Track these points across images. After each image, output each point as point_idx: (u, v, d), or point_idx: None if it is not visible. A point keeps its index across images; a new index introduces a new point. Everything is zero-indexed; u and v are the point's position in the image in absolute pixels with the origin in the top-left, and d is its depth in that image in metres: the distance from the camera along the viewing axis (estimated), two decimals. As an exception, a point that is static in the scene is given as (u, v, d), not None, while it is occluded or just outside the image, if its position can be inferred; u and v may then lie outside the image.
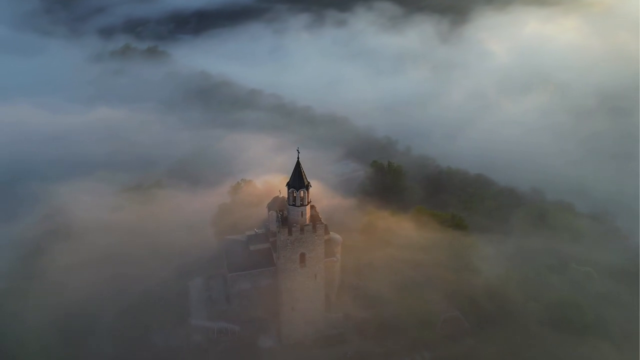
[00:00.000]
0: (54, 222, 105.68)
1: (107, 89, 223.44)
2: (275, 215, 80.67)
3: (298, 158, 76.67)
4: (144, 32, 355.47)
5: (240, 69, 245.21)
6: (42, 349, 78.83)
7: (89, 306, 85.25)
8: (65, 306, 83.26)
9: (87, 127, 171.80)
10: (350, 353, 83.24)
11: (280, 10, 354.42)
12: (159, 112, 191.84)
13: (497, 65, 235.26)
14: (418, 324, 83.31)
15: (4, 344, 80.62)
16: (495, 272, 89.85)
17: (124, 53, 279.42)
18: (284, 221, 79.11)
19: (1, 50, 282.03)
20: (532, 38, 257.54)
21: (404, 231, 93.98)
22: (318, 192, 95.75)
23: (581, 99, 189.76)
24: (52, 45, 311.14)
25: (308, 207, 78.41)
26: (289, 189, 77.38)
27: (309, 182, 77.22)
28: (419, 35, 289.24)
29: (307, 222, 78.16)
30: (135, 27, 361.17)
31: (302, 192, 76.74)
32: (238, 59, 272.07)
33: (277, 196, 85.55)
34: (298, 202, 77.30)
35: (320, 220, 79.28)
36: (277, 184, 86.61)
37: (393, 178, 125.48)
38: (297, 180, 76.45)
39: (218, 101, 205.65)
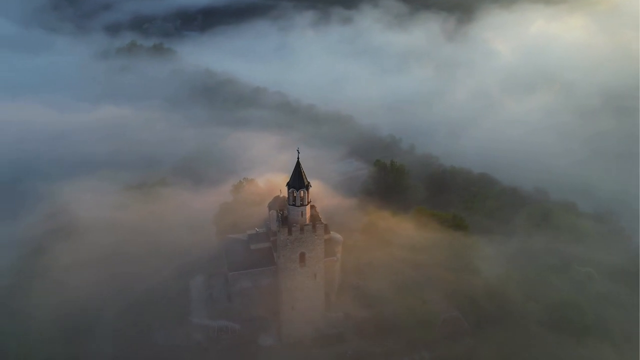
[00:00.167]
0: (57, 221, 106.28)
1: (113, 87, 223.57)
2: (275, 215, 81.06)
3: (298, 158, 77.09)
4: (150, 28, 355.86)
5: (246, 67, 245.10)
6: (43, 347, 79.28)
7: (90, 304, 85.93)
8: (67, 304, 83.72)
9: (92, 126, 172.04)
10: (350, 352, 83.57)
11: (286, 8, 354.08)
12: (164, 110, 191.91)
13: (502, 64, 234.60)
14: (418, 323, 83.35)
15: (6, 342, 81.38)
16: (495, 272, 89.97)
17: (130, 50, 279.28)
18: (284, 221, 79.56)
19: (9, 47, 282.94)
20: (537, 37, 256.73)
21: (404, 231, 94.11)
22: (319, 192, 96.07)
23: (586, 99, 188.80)
24: (59, 42, 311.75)
25: (308, 207, 78.78)
26: (289, 189, 77.75)
27: (309, 182, 77.57)
28: (424, 33, 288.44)
29: (307, 222, 78.59)
30: (141, 23, 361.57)
31: (302, 192, 77.13)
32: (243, 57, 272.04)
33: (278, 195, 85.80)
34: (298, 202, 77.66)
35: (320, 220, 79.65)
36: (279, 182, 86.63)
37: (395, 177, 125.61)
38: (297, 180, 76.82)
39: (223, 99, 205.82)
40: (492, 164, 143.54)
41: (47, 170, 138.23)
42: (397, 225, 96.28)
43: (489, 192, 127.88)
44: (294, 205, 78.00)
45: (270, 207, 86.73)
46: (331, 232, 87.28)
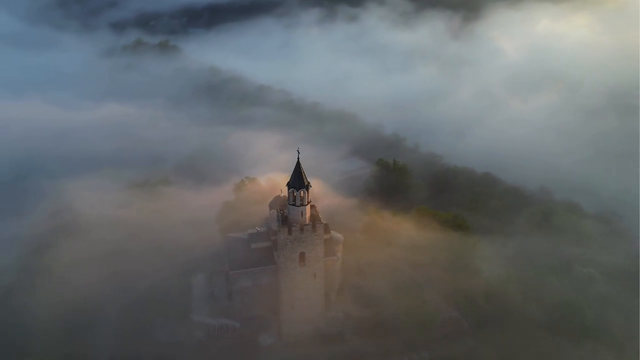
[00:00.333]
0: (61, 219, 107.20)
1: (117, 85, 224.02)
2: (276, 214, 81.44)
3: (298, 158, 77.43)
4: (156, 26, 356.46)
5: (250, 64, 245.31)
6: (47, 343, 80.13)
7: (93, 302, 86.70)
8: (70, 302, 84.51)
9: (96, 124, 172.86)
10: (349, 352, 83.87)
11: (291, 5, 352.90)
12: (168, 108, 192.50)
13: (507, 63, 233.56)
14: (417, 323, 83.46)
15: (11, 337, 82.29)
16: (495, 272, 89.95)
17: (135, 48, 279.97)
18: (284, 220, 79.93)
19: (15, 44, 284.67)
20: (543, 35, 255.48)
21: (405, 231, 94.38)
22: (321, 191, 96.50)
23: (591, 98, 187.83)
24: (65, 39, 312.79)
25: (308, 207, 79.07)
26: (289, 189, 78.08)
27: (309, 182, 77.89)
28: (430, 31, 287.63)
29: (307, 221, 78.92)
30: (147, 21, 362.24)
31: (302, 192, 77.45)
32: (248, 54, 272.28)
33: (279, 195, 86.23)
34: (298, 202, 77.99)
35: (320, 220, 79.98)
36: (280, 182, 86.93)
37: (398, 176, 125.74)
38: (297, 181, 77.17)
39: (227, 97, 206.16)
40: (496, 163, 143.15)
41: (51, 168, 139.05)
42: (397, 225, 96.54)
43: (493, 192, 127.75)
44: (294, 205, 78.31)
45: (271, 206, 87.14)
46: (332, 232, 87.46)
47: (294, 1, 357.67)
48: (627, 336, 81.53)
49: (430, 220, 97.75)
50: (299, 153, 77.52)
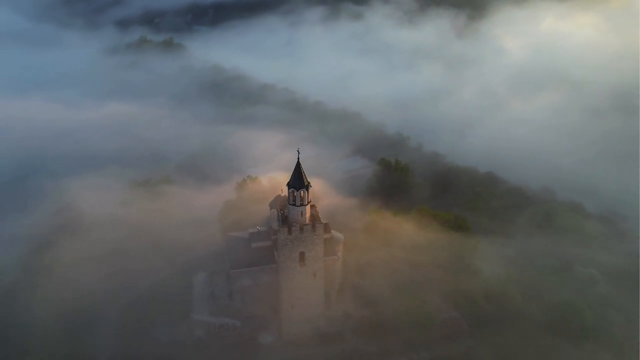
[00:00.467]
0: (63, 217, 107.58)
1: (121, 83, 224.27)
2: (276, 214, 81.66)
3: (298, 159, 77.63)
4: (161, 23, 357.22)
5: (254, 63, 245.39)
6: (47, 342, 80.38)
7: (94, 300, 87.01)
8: (71, 300, 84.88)
9: (98, 123, 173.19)
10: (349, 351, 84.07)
11: (296, 3, 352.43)
12: (171, 107, 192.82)
13: (511, 62, 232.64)
14: (417, 323, 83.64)
15: (11, 336, 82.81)
16: (495, 273, 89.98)
17: (139, 46, 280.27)
18: (284, 220, 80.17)
19: (20, 42, 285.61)
20: (548, 34, 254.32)
21: (405, 231, 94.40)
22: (322, 191, 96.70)
23: (595, 98, 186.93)
24: (70, 37, 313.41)
25: (308, 207, 79.28)
26: (289, 189, 78.23)
27: (309, 182, 78.08)
28: (434, 29, 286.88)
29: (307, 221, 79.16)
30: (152, 18, 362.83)
31: (302, 192, 77.66)
32: (252, 52, 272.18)
33: (279, 195, 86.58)
34: (298, 202, 78.19)
35: (320, 220, 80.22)
36: (282, 181, 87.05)
37: (400, 176, 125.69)
38: (297, 181, 77.37)
39: (230, 96, 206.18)
40: (499, 162, 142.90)
41: (53, 167, 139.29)
42: (398, 225, 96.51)
43: (495, 192, 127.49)
44: (294, 205, 78.52)
45: (271, 205, 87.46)
46: (332, 231, 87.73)
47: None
48: (627, 337, 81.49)
49: (431, 220, 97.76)
50: (299, 153, 77.67)
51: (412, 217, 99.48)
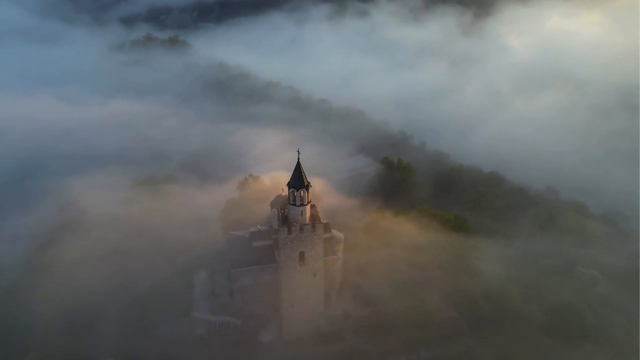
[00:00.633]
0: (65, 216, 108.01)
1: (126, 81, 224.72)
2: (276, 213, 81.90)
3: (298, 159, 77.82)
4: (167, 20, 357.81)
5: (259, 60, 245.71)
6: (49, 340, 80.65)
7: (95, 299, 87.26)
8: (72, 299, 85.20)
9: (102, 121, 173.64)
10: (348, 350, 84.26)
11: (302, 0, 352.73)
12: (175, 105, 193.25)
13: (516, 60, 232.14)
14: (416, 323, 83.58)
15: (13, 334, 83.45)
16: (495, 273, 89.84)
17: (145, 43, 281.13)
18: (285, 220, 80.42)
19: (26, 39, 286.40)
20: (553, 33, 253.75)
21: (405, 231, 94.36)
22: (323, 190, 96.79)
23: (600, 97, 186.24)
24: (75, 34, 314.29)
25: (308, 207, 79.46)
26: (289, 189, 78.44)
27: (309, 182, 78.27)
28: (440, 27, 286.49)
29: (307, 221, 79.33)
30: (158, 15, 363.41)
31: (302, 192, 77.86)
32: (257, 50, 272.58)
33: (280, 194, 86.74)
34: (298, 202, 78.39)
35: (320, 220, 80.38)
36: (284, 180, 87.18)
37: (402, 175, 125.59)
38: (297, 181, 77.58)
39: (234, 94, 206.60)
40: (503, 162, 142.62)
41: (55, 166, 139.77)
42: (398, 225, 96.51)
43: (497, 191, 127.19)
44: (294, 204, 78.74)
45: (272, 205, 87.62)
46: (333, 231, 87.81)
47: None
48: (627, 338, 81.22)
49: (431, 220, 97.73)
50: (299, 153, 77.84)
51: (413, 217, 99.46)
